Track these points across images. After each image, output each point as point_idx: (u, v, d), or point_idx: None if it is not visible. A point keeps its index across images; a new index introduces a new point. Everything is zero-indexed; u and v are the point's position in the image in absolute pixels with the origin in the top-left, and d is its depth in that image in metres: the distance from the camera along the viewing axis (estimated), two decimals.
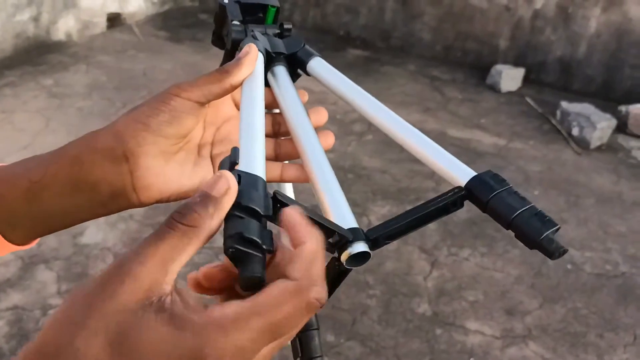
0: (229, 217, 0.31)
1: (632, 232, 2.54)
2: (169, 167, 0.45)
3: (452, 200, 0.40)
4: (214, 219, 0.30)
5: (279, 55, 0.52)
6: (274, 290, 0.28)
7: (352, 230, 0.36)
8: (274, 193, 0.33)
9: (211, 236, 0.29)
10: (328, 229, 0.35)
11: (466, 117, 3.48)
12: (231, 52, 0.51)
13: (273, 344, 0.28)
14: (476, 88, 3.89)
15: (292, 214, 0.31)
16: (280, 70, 0.51)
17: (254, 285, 0.29)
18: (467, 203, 0.41)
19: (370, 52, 4.44)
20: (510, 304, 2.09)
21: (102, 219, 2.34)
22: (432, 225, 2.47)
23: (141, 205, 0.44)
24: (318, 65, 0.53)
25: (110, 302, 0.26)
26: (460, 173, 0.42)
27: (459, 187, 0.41)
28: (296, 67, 0.54)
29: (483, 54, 4.17)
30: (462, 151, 3.05)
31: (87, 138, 0.44)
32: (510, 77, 3.85)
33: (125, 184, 0.43)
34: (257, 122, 0.42)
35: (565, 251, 0.35)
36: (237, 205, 0.31)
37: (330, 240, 0.36)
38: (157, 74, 3.75)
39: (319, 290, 0.28)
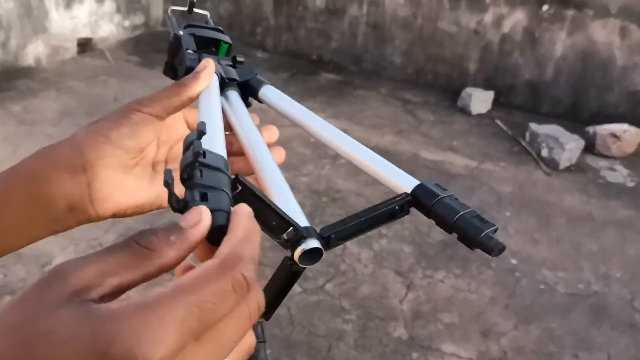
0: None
1: (603, 251, 2.57)
2: (127, 180, 0.46)
3: (399, 205, 0.42)
4: (174, 248, 0.28)
5: (232, 81, 0.55)
6: (198, 269, 0.26)
7: (305, 228, 0.37)
8: (236, 175, 0.34)
9: (168, 267, 0.27)
10: (283, 223, 0.36)
11: (438, 139, 3.52)
12: None
13: (206, 345, 0.25)
14: (448, 110, 3.94)
15: (238, 209, 0.30)
16: (233, 94, 0.54)
17: (220, 235, 0.29)
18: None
19: (343, 76, 4.48)
20: (486, 326, 2.09)
21: (71, 248, 2.29)
22: (406, 248, 2.47)
23: (98, 218, 0.44)
24: (269, 92, 0.55)
25: (33, 300, 0.24)
26: (405, 182, 0.44)
27: (406, 193, 0.43)
28: (248, 94, 0.56)
29: (453, 77, 4.25)
30: (435, 173, 3.07)
31: (43, 152, 0.44)
32: (480, 100, 3.91)
33: (82, 196, 0.43)
34: (216, 117, 0.45)
35: (503, 247, 0.37)
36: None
37: (285, 235, 0.37)
38: (128, 99, 3.63)
39: (247, 267, 0.26)
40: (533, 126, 3.50)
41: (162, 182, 0.48)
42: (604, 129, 3.47)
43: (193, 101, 0.48)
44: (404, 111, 3.91)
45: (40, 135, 3.18)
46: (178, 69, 0.56)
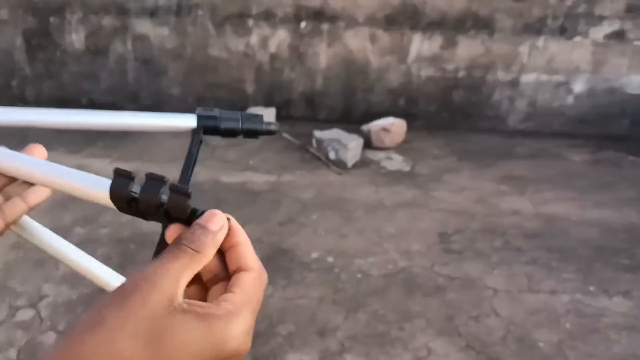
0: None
1: (400, 230, 2.88)
2: None
3: (200, 140, 0.51)
4: (212, 247, 0.37)
5: None
6: (250, 279, 0.37)
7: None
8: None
9: (207, 261, 0.37)
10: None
11: (235, 161, 3.58)
12: None
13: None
14: None
15: (233, 223, 0.39)
16: None
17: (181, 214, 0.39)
18: None
19: None
20: (320, 325, 2.19)
21: None
22: None
23: None
24: None
25: (143, 309, 0.32)
26: (187, 121, 0.53)
27: (194, 129, 0.52)
28: None
29: (234, 99, 4.36)
30: (240, 194, 3.12)
31: None
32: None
33: None
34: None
35: (274, 123, 0.53)
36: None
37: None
38: None
39: None
40: (317, 133, 3.76)
41: None
42: (375, 125, 3.88)
43: None
44: None
45: None
46: None
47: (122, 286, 0.33)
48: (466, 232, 2.90)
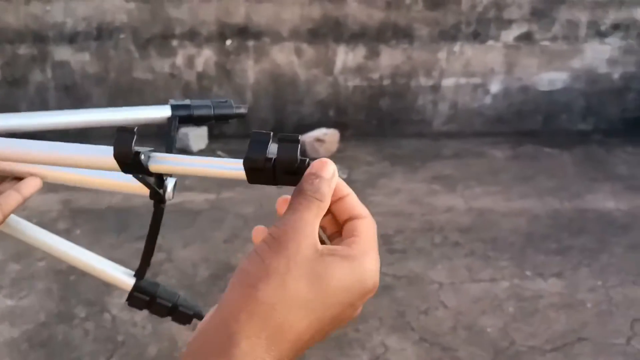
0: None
1: None
2: None
3: (177, 127, 0.56)
4: (329, 195, 0.40)
5: None
6: (365, 225, 0.41)
7: None
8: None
9: (326, 209, 0.40)
10: None
11: None
12: None
13: None
14: None
15: (340, 180, 0.42)
16: None
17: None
18: None
19: None
20: None
21: None
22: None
23: None
24: None
25: (299, 255, 0.36)
26: (162, 111, 0.58)
27: (169, 118, 0.57)
28: None
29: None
30: (180, 215, 3.08)
31: None
32: (196, 136, 4.05)
33: None
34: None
35: (243, 106, 0.60)
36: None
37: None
38: None
39: None
40: None
41: None
42: (309, 137, 3.95)
43: None
44: None
45: None
46: None
47: (275, 238, 0.37)
48: (406, 231, 3.01)
